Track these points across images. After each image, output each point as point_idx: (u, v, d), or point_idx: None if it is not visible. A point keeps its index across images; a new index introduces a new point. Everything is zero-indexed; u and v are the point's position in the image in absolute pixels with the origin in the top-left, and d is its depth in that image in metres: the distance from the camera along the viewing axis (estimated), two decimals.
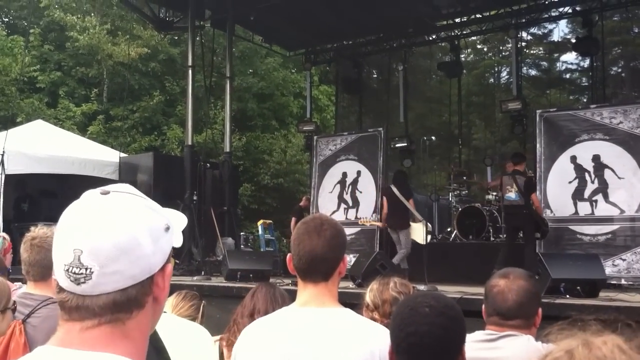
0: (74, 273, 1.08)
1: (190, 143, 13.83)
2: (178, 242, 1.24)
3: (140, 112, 21.27)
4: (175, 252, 10.06)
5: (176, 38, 22.67)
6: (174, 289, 3.55)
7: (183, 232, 2.06)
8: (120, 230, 1.10)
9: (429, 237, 10.16)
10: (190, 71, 14.10)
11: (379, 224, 11.21)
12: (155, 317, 1.21)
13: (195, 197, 12.55)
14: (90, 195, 1.14)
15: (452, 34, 15.49)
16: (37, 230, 2.85)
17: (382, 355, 2.00)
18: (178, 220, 2.13)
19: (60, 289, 1.12)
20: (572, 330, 1.04)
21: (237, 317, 3.26)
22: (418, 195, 13.94)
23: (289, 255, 2.22)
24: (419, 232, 10.05)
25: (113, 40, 21.30)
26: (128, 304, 1.12)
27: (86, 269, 1.08)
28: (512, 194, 9.66)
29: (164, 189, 12.38)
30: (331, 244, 2.14)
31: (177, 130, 20.43)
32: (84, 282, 1.08)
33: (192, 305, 3.57)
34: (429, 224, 10.37)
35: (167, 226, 1.18)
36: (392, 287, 2.95)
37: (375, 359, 2.01)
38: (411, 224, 10.20)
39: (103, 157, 13.66)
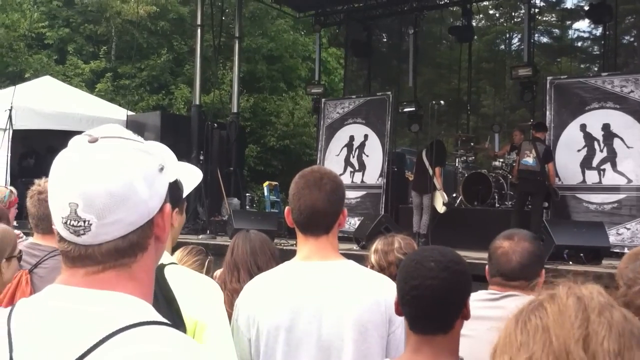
0: (73, 226, 1.08)
1: (197, 103, 13.80)
2: (173, 176, 1.23)
3: (148, 71, 21.18)
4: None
5: None
6: (179, 245, 3.59)
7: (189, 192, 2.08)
8: (114, 180, 1.08)
9: (445, 208, 10.42)
10: (199, 30, 14.00)
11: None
12: (158, 255, 1.21)
13: (202, 157, 12.56)
14: (78, 144, 1.11)
15: None
16: (43, 184, 2.83)
17: (387, 305, 2.02)
18: (193, 175, 2.14)
19: (62, 239, 1.12)
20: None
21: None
22: None
23: (287, 208, 2.21)
24: (439, 200, 10.51)
25: None
26: (131, 248, 1.13)
27: (84, 221, 1.07)
28: (529, 159, 9.66)
29: (170, 148, 12.29)
30: (331, 198, 2.13)
31: (185, 90, 20.36)
32: (83, 234, 1.08)
33: (197, 260, 3.60)
34: (445, 195, 10.56)
35: (161, 166, 1.17)
36: (397, 249, 2.95)
37: (381, 307, 2.04)
38: (436, 191, 10.45)
39: (110, 114, 13.66)
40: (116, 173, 1.08)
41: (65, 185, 1.08)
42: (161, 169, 1.16)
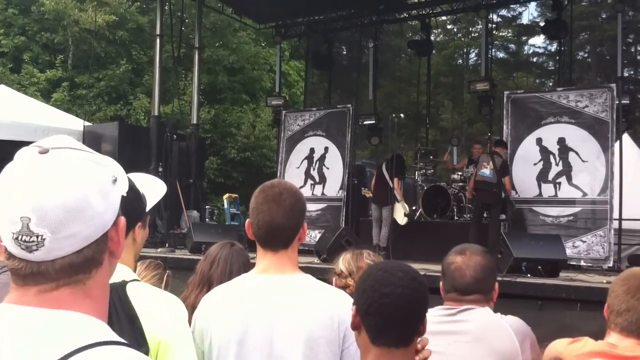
0: (25, 241, 1.03)
1: (156, 113, 13.66)
2: (124, 188, 1.20)
3: (106, 81, 20.91)
4: None
5: (144, 6, 22.28)
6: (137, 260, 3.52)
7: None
8: (68, 192, 1.04)
9: (406, 219, 10.47)
10: (158, 40, 13.88)
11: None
12: (111, 270, 1.18)
13: (160, 169, 12.41)
14: (28, 155, 1.06)
15: (423, 12, 15.46)
16: None
17: (341, 320, 2.00)
18: (157, 187, 2.09)
19: (11, 256, 1.07)
20: None
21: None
22: None
23: (247, 220, 2.19)
24: (399, 212, 10.52)
25: (80, 6, 20.85)
26: (86, 264, 1.09)
27: (37, 236, 1.03)
28: (486, 170, 9.85)
29: (129, 160, 12.19)
30: (290, 214, 2.12)
31: (144, 101, 20.15)
32: (36, 250, 1.04)
33: (156, 274, 3.53)
34: (406, 206, 10.62)
35: (114, 178, 1.13)
36: (367, 256, 3.00)
37: (335, 323, 2.02)
38: (396, 203, 10.46)
39: (67, 125, 13.39)
40: (70, 185, 1.04)
41: (16, 199, 1.02)
42: (114, 181, 1.13)
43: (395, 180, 10.55)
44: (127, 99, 21.15)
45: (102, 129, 14.08)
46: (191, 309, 2.91)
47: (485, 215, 10.34)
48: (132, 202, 1.84)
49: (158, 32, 13.91)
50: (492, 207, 9.98)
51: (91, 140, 13.00)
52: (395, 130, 10.88)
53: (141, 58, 21.72)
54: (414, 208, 12.52)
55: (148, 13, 21.92)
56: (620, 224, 9.68)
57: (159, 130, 13.25)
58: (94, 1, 20.62)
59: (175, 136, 13.43)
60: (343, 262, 3.01)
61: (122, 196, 1.17)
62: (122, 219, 1.15)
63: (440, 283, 2.50)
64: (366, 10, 15.23)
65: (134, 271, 2.22)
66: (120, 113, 20.49)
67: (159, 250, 10.48)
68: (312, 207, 12.15)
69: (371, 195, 11.11)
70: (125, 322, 1.76)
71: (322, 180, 12.61)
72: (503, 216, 10.05)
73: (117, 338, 1.06)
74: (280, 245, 2.13)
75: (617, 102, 9.84)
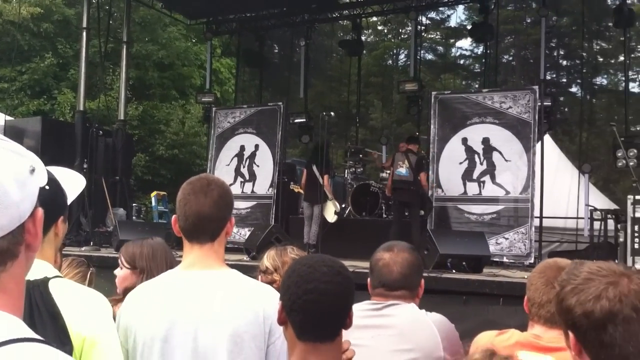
0: None
1: (82, 109, 13.31)
2: (43, 180, 1.17)
3: (30, 75, 20.21)
4: None
5: None
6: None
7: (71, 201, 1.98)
8: None
9: (336, 217, 10.55)
10: (84, 33, 13.53)
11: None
12: (28, 265, 1.14)
13: (85, 165, 12.10)
14: None
15: (355, 12, 15.62)
16: None
17: (267, 315, 2.01)
18: (76, 181, 2.04)
19: None
20: None
21: None
22: None
23: (174, 217, 2.17)
24: (330, 210, 10.61)
25: None
26: (1, 256, 1.05)
27: None
28: (402, 170, 10.10)
29: (52, 156, 11.82)
30: (218, 204, 2.12)
31: (69, 95, 19.57)
32: None
33: (79, 272, 3.44)
34: (337, 204, 10.70)
35: (32, 168, 1.10)
36: (290, 251, 3.02)
37: (260, 318, 2.02)
38: (327, 201, 10.55)
39: None
40: None
41: None
42: (32, 171, 1.09)
43: (325, 177, 10.63)
44: (52, 93, 20.50)
45: (24, 124, 13.64)
46: None
47: (406, 213, 10.56)
48: (54, 195, 1.80)
49: (85, 25, 13.57)
50: (411, 205, 10.22)
51: (12, 135, 12.56)
52: (326, 128, 10.94)
53: (67, 52, 21.08)
54: (343, 206, 12.63)
55: (75, 5, 21.28)
56: (540, 221, 10.00)
57: (84, 126, 12.92)
58: None
59: (101, 132, 13.11)
60: (267, 258, 3.02)
61: (41, 188, 1.14)
62: (40, 210, 1.12)
63: (368, 279, 2.54)
64: (298, 8, 15.26)
65: (58, 266, 2.16)
66: (43, 108, 19.86)
67: (83, 248, 10.24)
68: (242, 205, 12.09)
69: (300, 190, 11.14)
70: (47, 319, 1.72)
71: (252, 178, 12.57)
72: (422, 212, 10.31)
73: (33, 335, 1.03)
74: (207, 238, 2.12)
75: (540, 103, 10.17)
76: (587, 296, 1.41)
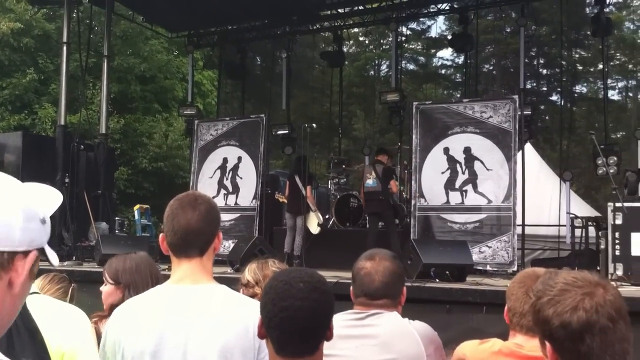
0: None
1: (63, 123, 13.23)
2: (45, 237, 1.18)
3: (11, 90, 20.07)
4: None
5: (52, 13, 21.54)
6: (41, 273, 3.40)
7: (53, 216, 1.98)
8: None
9: (319, 228, 10.60)
10: (65, 48, 13.49)
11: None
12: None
13: (67, 180, 12.04)
14: None
15: (336, 24, 15.69)
16: None
17: (255, 330, 2.01)
18: (52, 196, 2.04)
19: None
20: None
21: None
22: None
23: (161, 235, 2.18)
24: (313, 222, 10.73)
25: None
26: None
27: None
28: (370, 181, 10.34)
29: (33, 171, 11.78)
30: (206, 218, 2.13)
31: (50, 110, 19.46)
32: None
33: (60, 288, 3.42)
34: (319, 216, 10.74)
35: (44, 219, 1.13)
36: (272, 264, 3.02)
37: (250, 334, 2.02)
38: (310, 212, 10.64)
39: None
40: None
41: None
42: (43, 221, 1.14)
43: (308, 188, 10.67)
44: (32, 108, 20.37)
45: (5, 139, 13.51)
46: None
47: (381, 224, 10.64)
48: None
49: (65, 39, 13.52)
50: (383, 215, 10.34)
51: None
52: (308, 139, 10.99)
53: (48, 66, 20.95)
54: (327, 217, 12.65)
55: (55, 20, 21.17)
56: (523, 229, 10.09)
57: (65, 140, 12.85)
58: None
59: (82, 146, 13.06)
60: (249, 272, 3.02)
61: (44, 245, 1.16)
62: (35, 253, 1.12)
63: (351, 288, 2.55)
64: (279, 20, 15.31)
65: (36, 284, 2.16)
66: (24, 122, 19.71)
67: (65, 263, 10.15)
68: (225, 217, 12.05)
69: (284, 200, 11.18)
70: (25, 335, 1.71)
71: (236, 190, 12.54)
72: (397, 221, 10.40)
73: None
74: (195, 252, 2.12)
75: (520, 112, 10.26)
76: (563, 307, 1.43)
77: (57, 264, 1.20)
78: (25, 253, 1.10)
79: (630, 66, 27.95)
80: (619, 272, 7.87)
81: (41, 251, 1.15)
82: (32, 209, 1.11)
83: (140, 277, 3.04)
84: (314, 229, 10.67)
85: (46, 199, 1.95)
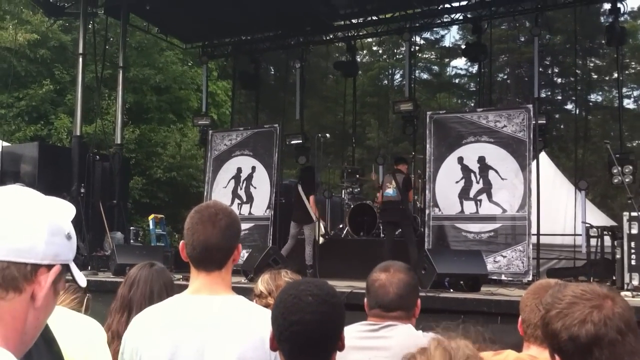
0: None
1: (78, 133, 13.35)
2: (70, 254, 1.19)
3: (27, 101, 20.26)
4: None
5: (67, 25, 21.75)
6: None
7: None
8: (20, 202, 1.08)
9: (322, 239, 10.60)
10: (80, 59, 13.62)
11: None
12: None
13: (82, 190, 12.13)
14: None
15: (349, 34, 15.72)
16: None
17: None
18: (65, 209, 2.06)
19: None
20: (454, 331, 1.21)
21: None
22: None
23: (182, 242, 2.19)
24: (316, 231, 10.64)
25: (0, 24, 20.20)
26: (4, 282, 1.06)
27: None
28: (390, 190, 10.28)
29: (49, 181, 11.88)
30: (225, 234, 2.13)
31: (66, 120, 19.61)
32: None
33: (76, 298, 3.43)
34: (322, 227, 10.73)
35: (69, 234, 1.15)
36: (284, 275, 3.01)
37: (266, 346, 2.03)
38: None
39: None
40: (26, 200, 1.11)
41: None
42: (68, 236, 1.16)
43: (311, 198, 10.66)
44: (49, 118, 20.55)
45: (22, 150, 13.66)
46: (112, 335, 2.84)
47: (396, 232, 10.61)
48: None
49: (81, 50, 13.66)
50: (401, 224, 10.31)
51: (10, 161, 12.60)
52: (322, 149, 11.01)
53: (64, 77, 21.14)
54: (340, 226, 12.65)
55: (71, 31, 21.37)
56: (538, 239, 10.03)
57: (81, 150, 12.96)
58: (15, 19, 20.05)
59: (98, 156, 13.16)
60: (262, 282, 3.02)
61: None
62: (58, 267, 1.14)
63: (365, 299, 2.55)
64: (293, 31, 15.39)
65: None
66: (40, 133, 19.88)
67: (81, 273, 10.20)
68: None
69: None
70: (42, 345, 1.72)
71: (250, 199, 12.57)
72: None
73: None
74: (214, 266, 2.14)
75: (534, 122, 10.22)
76: (572, 320, 1.42)
77: (85, 285, 1.21)
78: (49, 267, 1.11)
79: None
80: (635, 282, 7.81)
81: (66, 268, 1.16)
82: (58, 223, 1.13)
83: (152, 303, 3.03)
84: (319, 239, 10.67)
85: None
